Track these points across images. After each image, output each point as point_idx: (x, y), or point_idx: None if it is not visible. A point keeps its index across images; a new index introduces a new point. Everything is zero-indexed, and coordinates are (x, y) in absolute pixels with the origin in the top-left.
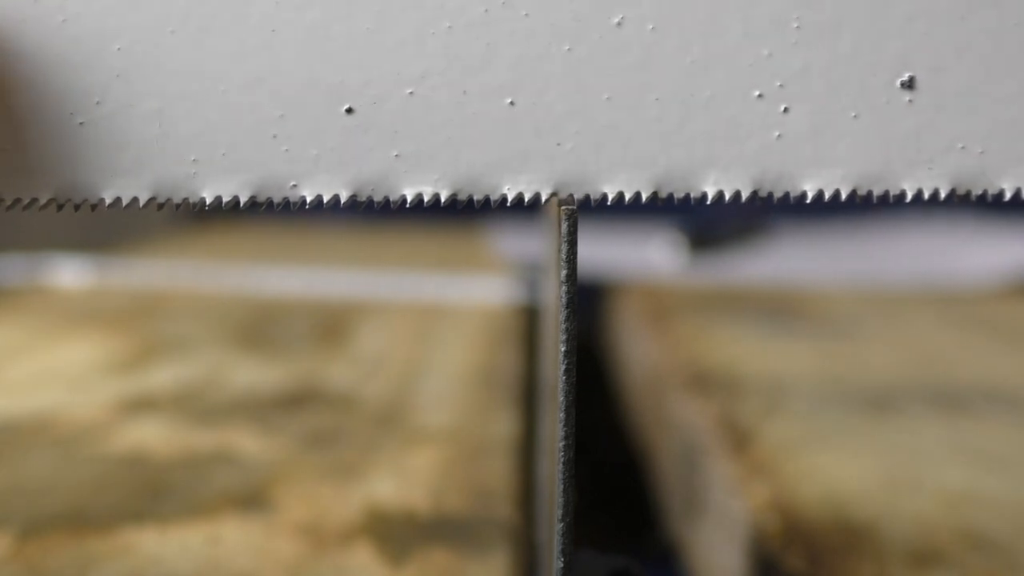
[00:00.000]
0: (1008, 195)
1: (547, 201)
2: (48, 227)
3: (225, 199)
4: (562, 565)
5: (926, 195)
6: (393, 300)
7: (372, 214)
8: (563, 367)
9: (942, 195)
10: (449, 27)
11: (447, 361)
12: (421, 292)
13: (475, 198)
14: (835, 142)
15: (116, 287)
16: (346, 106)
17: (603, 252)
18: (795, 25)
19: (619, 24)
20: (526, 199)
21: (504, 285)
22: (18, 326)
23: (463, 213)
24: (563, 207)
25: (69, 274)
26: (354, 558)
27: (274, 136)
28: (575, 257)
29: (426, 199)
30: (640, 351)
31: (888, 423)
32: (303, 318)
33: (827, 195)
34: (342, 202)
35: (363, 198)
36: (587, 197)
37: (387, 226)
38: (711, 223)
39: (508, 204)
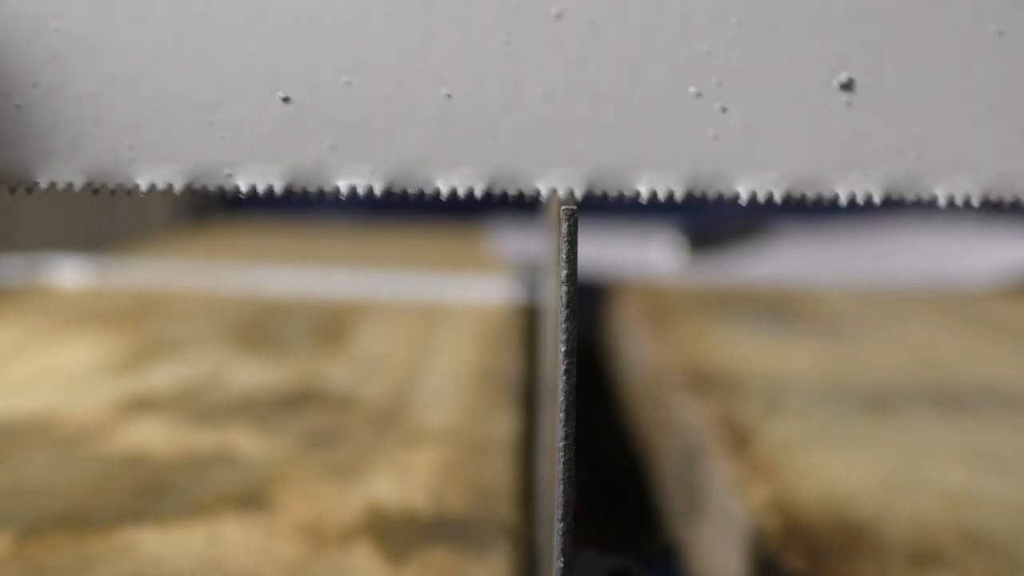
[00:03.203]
0: (942, 202)
1: (481, 197)
2: (48, 227)
3: (160, 186)
4: (562, 565)
5: (860, 199)
6: (393, 300)
7: (372, 214)
8: (563, 367)
9: (876, 199)
10: (387, 15)
11: (447, 361)
12: (421, 292)
13: (409, 192)
14: (771, 143)
15: (116, 287)
16: (282, 94)
17: (603, 252)
18: (735, 21)
19: (558, 17)
20: (460, 194)
21: (504, 285)
22: (18, 326)
23: (463, 213)
24: (563, 207)
25: (69, 274)
26: (354, 558)
27: (210, 123)
28: (575, 257)
29: (360, 191)
30: (640, 351)
31: (888, 423)
32: (303, 318)
33: (761, 197)
34: (277, 192)
35: (297, 189)
36: (520, 194)
37: (387, 226)
38: (711, 223)
39: (442, 199)
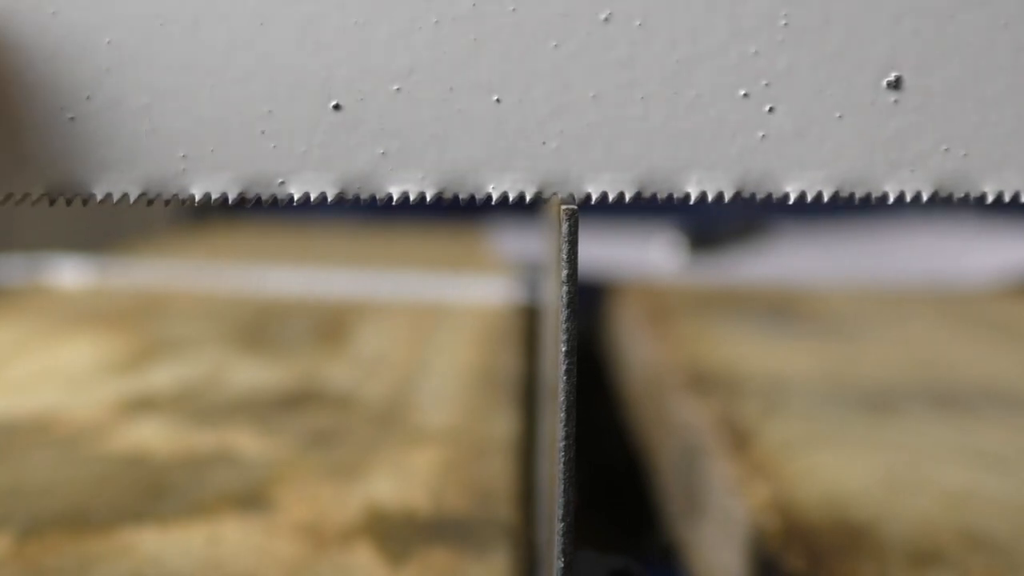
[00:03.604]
0: (990, 198)
1: (531, 200)
2: (48, 227)
3: (214, 196)
4: (562, 565)
5: (908, 197)
6: (393, 300)
7: (372, 214)
8: (563, 367)
9: (924, 198)
10: (436, 22)
11: (447, 361)
12: (421, 292)
13: (460, 196)
14: (819, 143)
15: (116, 287)
16: (334, 102)
17: (603, 252)
18: (783, 23)
19: (607, 20)
20: (511, 198)
21: (504, 285)
22: (18, 326)
23: (463, 213)
24: (563, 207)
25: (69, 274)
26: (354, 558)
27: (262, 132)
28: (575, 257)
29: (412, 197)
30: (640, 351)
31: (888, 423)
32: (303, 318)
33: (809, 196)
34: (329, 199)
35: (350, 196)
36: (571, 196)
37: (387, 226)
38: (711, 223)
39: (493, 203)
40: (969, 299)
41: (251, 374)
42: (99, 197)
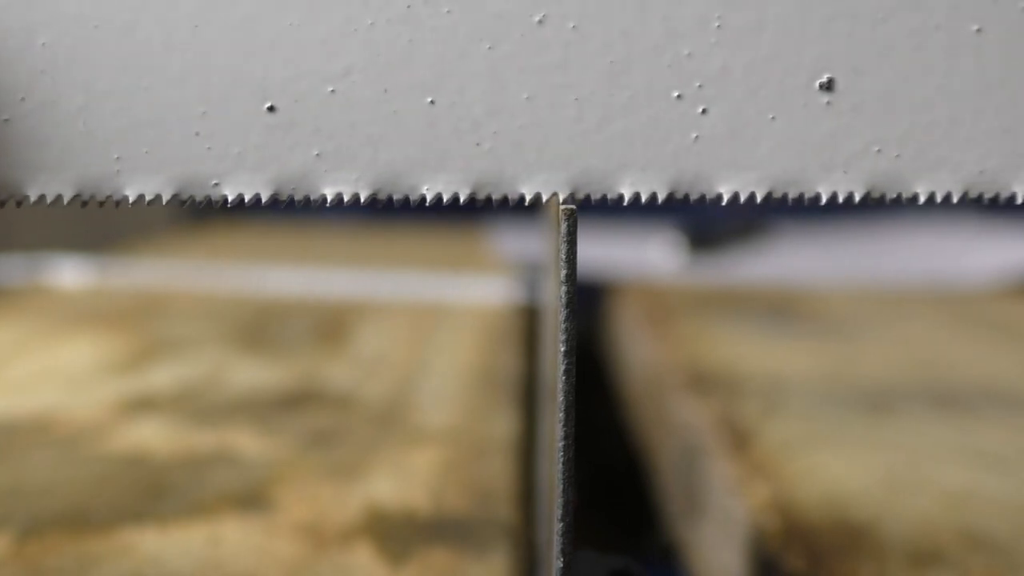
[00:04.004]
0: (922, 199)
1: (465, 202)
2: (48, 227)
3: (148, 197)
4: (562, 565)
5: (841, 198)
6: (393, 300)
7: (371, 214)
8: (563, 367)
9: (857, 198)
10: (371, 24)
11: (447, 361)
12: (421, 292)
13: (395, 198)
14: (752, 144)
15: (116, 287)
16: (268, 104)
17: (603, 252)
18: (716, 25)
19: (541, 22)
20: (445, 199)
21: (504, 285)
22: (18, 326)
23: (463, 213)
24: (563, 207)
25: (69, 274)
26: (354, 558)
27: (197, 134)
28: (575, 257)
29: (346, 199)
30: (640, 351)
31: (888, 423)
32: (303, 318)
33: (742, 198)
34: (263, 201)
35: (284, 197)
36: (505, 198)
37: (387, 226)
38: (711, 223)
39: (427, 204)
40: (969, 299)
41: (251, 374)
42: (32, 199)
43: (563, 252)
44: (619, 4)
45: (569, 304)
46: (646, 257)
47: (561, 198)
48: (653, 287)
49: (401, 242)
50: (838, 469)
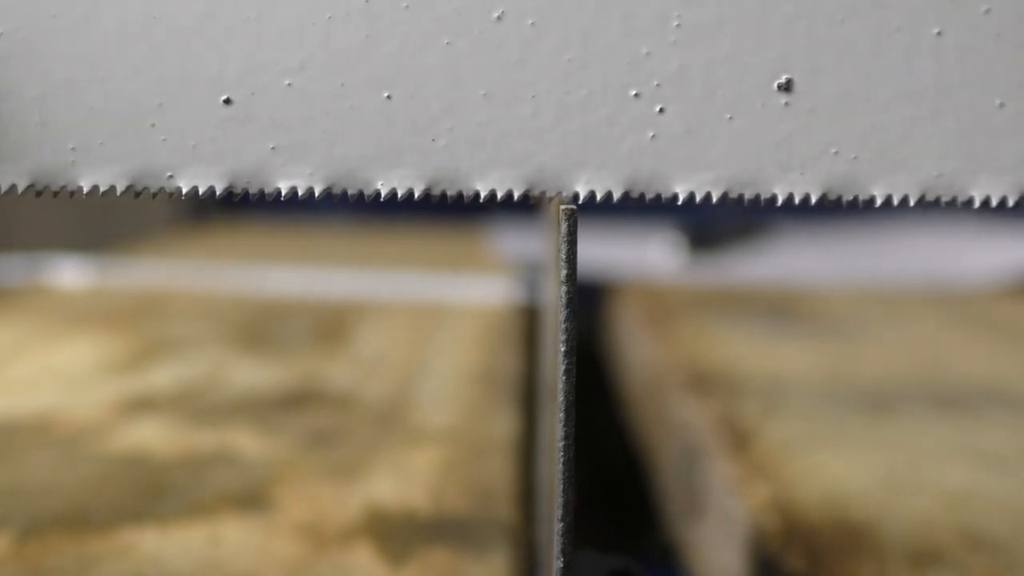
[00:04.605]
0: (879, 202)
1: (419, 197)
2: (48, 227)
3: (102, 188)
4: (562, 565)
5: (797, 200)
6: (393, 300)
7: (372, 214)
8: (563, 367)
9: (813, 200)
10: (329, 17)
11: (447, 361)
12: (421, 292)
13: (349, 192)
14: (709, 144)
15: (116, 287)
16: (225, 96)
17: (603, 252)
18: (675, 24)
19: (499, 19)
20: (399, 195)
21: (504, 285)
22: (18, 326)
23: (463, 213)
24: (563, 207)
25: (69, 274)
26: (354, 558)
27: (152, 125)
28: (575, 257)
29: (300, 192)
30: (640, 351)
31: (888, 423)
32: (303, 318)
33: (698, 197)
34: (217, 193)
35: (238, 190)
36: (460, 194)
37: (387, 226)
38: (710, 223)
39: (382, 199)
40: (969, 299)
41: (251, 374)
42: None
43: (563, 252)
44: (578, 2)
45: (569, 304)
46: (646, 257)
47: (516, 195)
48: (653, 287)
49: (401, 242)
50: (838, 469)
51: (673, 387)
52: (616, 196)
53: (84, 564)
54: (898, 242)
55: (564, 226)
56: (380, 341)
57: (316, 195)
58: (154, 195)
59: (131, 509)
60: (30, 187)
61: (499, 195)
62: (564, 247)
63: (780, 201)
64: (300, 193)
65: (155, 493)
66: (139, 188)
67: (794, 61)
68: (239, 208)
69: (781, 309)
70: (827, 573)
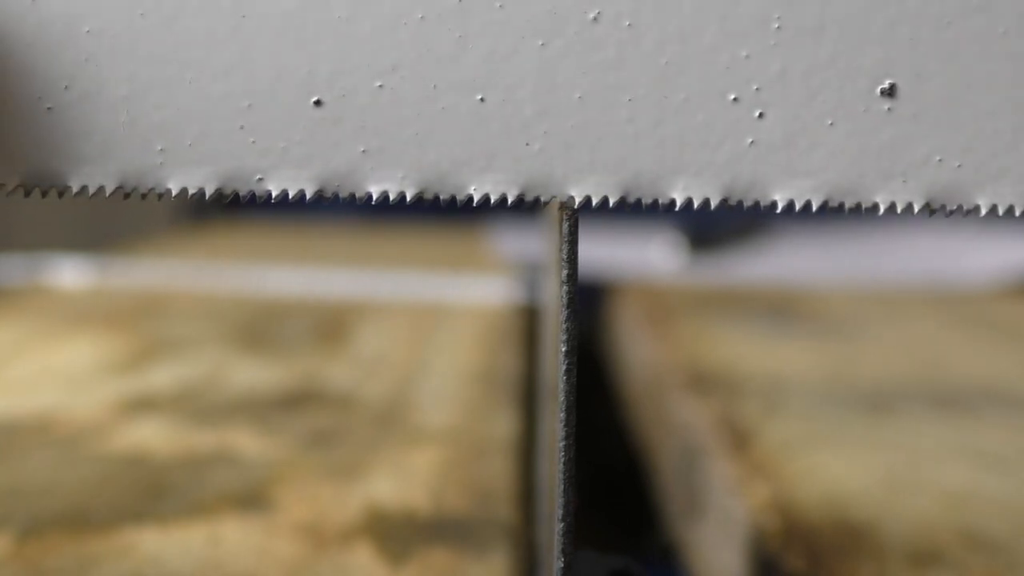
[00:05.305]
0: (984, 211)
1: (513, 203)
2: (48, 227)
3: (191, 191)
4: (562, 565)
5: (899, 209)
6: (393, 300)
7: (372, 214)
8: (563, 367)
9: (916, 209)
10: (422, 18)
11: (447, 361)
12: (421, 292)
13: (441, 197)
14: (809, 150)
15: (116, 287)
16: (315, 98)
17: (604, 252)
18: (776, 26)
19: (595, 19)
20: (492, 200)
21: (504, 285)
22: (18, 326)
23: (463, 213)
24: (563, 207)
25: (69, 274)
26: (354, 558)
27: (241, 127)
28: (575, 257)
29: (391, 197)
30: (640, 351)
31: (888, 423)
32: (303, 318)
33: (798, 205)
34: (308, 198)
35: (329, 194)
36: (554, 200)
37: (387, 226)
38: (711, 223)
39: (475, 205)
40: (969, 299)
41: (251, 374)
42: (75, 190)
43: (564, 252)
44: (675, 2)
45: (570, 304)
46: (646, 257)
47: (612, 202)
48: (653, 287)
49: (401, 242)
50: (838, 469)
51: (673, 387)
52: (714, 203)
53: (84, 564)
54: (898, 242)
55: (565, 226)
56: (380, 341)
57: (408, 200)
58: (244, 198)
59: (131, 509)
60: (118, 188)
61: (594, 201)
62: (565, 247)
63: (882, 210)
64: (391, 198)
65: (155, 493)
66: (228, 191)
67: (897, 65)
68: (239, 208)
69: (781, 309)
70: (827, 573)
